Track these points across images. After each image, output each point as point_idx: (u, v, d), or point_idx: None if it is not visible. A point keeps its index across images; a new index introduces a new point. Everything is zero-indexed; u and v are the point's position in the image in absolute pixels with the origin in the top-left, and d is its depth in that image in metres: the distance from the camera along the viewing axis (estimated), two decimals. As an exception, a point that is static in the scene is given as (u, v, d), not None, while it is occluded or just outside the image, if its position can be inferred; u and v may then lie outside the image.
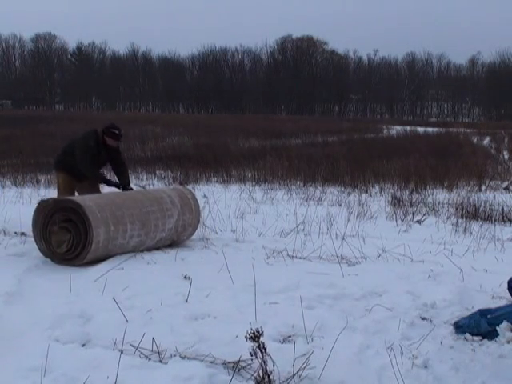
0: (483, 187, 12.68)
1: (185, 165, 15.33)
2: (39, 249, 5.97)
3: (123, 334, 3.71)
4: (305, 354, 3.52)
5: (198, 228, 7.18)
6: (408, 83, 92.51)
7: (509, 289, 4.57)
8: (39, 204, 6.10)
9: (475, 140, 30.43)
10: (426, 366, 3.59)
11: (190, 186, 11.14)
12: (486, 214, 9.17)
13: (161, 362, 3.53)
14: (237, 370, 3.39)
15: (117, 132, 7.05)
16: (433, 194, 11.54)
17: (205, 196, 10.40)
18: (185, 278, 5.20)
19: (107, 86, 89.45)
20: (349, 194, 11.62)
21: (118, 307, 4.20)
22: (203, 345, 3.70)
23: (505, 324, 3.95)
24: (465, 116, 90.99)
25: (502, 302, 4.62)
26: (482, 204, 9.73)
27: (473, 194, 11.28)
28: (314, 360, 3.45)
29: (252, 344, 3.17)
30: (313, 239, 7.17)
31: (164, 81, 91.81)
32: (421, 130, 39.06)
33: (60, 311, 4.23)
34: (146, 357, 3.57)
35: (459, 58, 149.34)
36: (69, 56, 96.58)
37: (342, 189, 12.26)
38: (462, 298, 4.82)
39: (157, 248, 6.48)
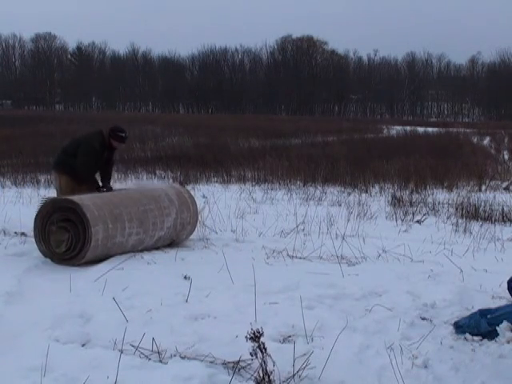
0: (483, 187, 12.68)
1: (185, 165, 15.33)
2: (39, 249, 5.98)
3: (123, 334, 3.71)
4: (305, 354, 3.52)
5: (198, 228, 7.18)
6: (408, 83, 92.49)
7: (509, 289, 4.57)
8: (41, 206, 6.10)
9: (475, 140, 30.42)
10: (426, 366, 3.59)
11: (189, 186, 11.14)
12: (486, 214, 9.18)
13: (161, 362, 3.53)
14: (237, 370, 3.39)
15: (123, 135, 7.02)
16: (433, 194, 11.54)
17: (205, 196, 10.40)
18: (185, 278, 5.21)
19: (107, 86, 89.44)
20: (349, 194, 11.62)
21: (118, 307, 4.21)
22: (203, 345, 3.70)
23: (505, 324, 3.95)
24: (465, 116, 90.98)
25: (502, 302, 4.62)
26: (482, 204, 9.73)
27: (473, 194, 11.28)
28: (313, 360, 3.46)
29: (252, 344, 3.17)
30: (313, 239, 7.17)
31: (164, 81, 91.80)
32: (421, 130, 39.05)
33: (60, 311, 4.23)
34: (146, 357, 3.57)
35: (459, 58, 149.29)
36: (69, 56, 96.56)
37: (342, 189, 12.26)
38: (462, 298, 4.82)
39: (157, 248, 6.49)
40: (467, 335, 4.02)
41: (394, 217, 9.07)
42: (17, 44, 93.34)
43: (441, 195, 11.49)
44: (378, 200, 10.89)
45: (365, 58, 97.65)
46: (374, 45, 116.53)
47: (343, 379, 3.40)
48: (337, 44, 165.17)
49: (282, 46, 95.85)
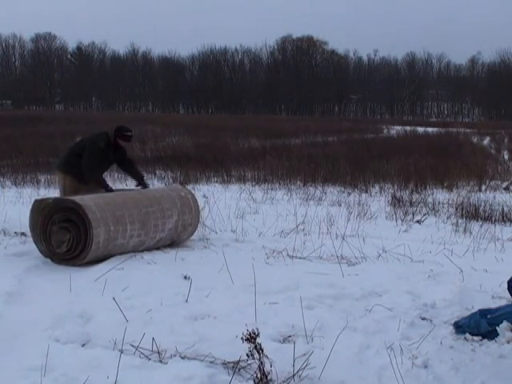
0: (483, 187, 12.67)
1: (185, 165, 15.32)
2: (38, 249, 5.97)
3: (123, 334, 3.71)
4: (305, 354, 3.52)
5: (198, 228, 7.18)
6: (408, 83, 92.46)
7: (509, 289, 4.57)
8: (34, 204, 6.08)
9: (475, 140, 30.41)
10: (426, 366, 3.59)
11: (190, 186, 11.14)
12: (486, 214, 9.17)
13: (161, 362, 3.53)
14: (237, 370, 3.39)
15: (129, 134, 7.07)
16: (433, 194, 11.54)
17: (205, 196, 10.40)
18: (185, 278, 5.21)
19: (107, 85, 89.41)
20: (349, 194, 11.62)
21: (118, 307, 4.21)
22: (203, 345, 3.70)
23: (505, 324, 3.95)
24: (465, 116, 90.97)
25: (502, 302, 4.62)
26: (482, 204, 9.73)
27: (473, 194, 11.28)
28: (313, 360, 3.46)
29: (249, 345, 3.18)
30: (313, 239, 7.17)
31: (164, 81, 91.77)
32: (421, 130, 39.04)
33: (60, 311, 4.23)
34: (146, 357, 3.57)
35: (459, 58, 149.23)
36: (69, 56, 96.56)
37: (342, 189, 12.26)
38: (462, 298, 4.82)
39: (157, 248, 6.48)
40: (467, 335, 4.02)
41: (394, 217, 9.06)
42: (17, 44, 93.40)
43: (441, 195, 11.48)
44: (378, 200, 10.89)
45: (365, 58, 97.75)
46: (374, 45, 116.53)
47: (343, 379, 3.40)
48: (337, 44, 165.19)
49: (282, 46, 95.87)
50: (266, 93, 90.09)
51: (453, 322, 4.24)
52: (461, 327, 4.10)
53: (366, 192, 11.95)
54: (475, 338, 3.99)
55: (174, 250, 6.42)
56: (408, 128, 40.12)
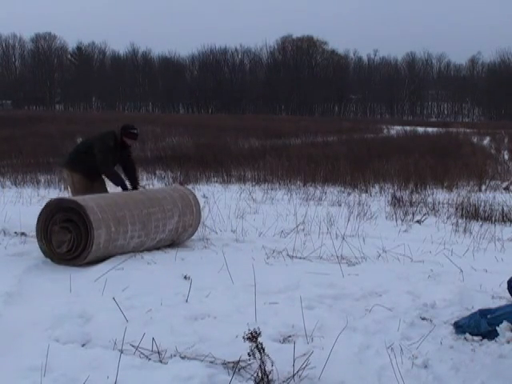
0: (483, 187, 12.68)
1: (185, 165, 15.32)
2: (40, 248, 5.97)
3: (123, 334, 3.71)
4: (305, 354, 3.52)
5: (198, 228, 7.18)
6: (408, 83, 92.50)
7: (509, 289, 4.57)
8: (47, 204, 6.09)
9: (475, 140, 30.43)
10: (426, 366, 3.59)
11: (190, 186, 11.13)
12: (486, 214, 9.17)
13: (161, 362, 3.53)
14: (237, 370, 3.39)
15: (135, 132, 7.13)
16: (433, 194, 11.54)
17: (205, 196, 10.41)
18: (185, 278, 5.21)
19: (107, 85, 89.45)
20: (349, 194, 11.62)
21: (118, 307, 4.20)
22: (203, 345, 3.70)
23: (505, 324, 3.95)
24: (465, 116, 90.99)
25: (502, 302, 4.62)
26: (482, 204, 9.73)
27: (473, 194, 11.28)
28: (314, 360, 3.45)
29: (250, 344, 3.17)
30: (313, 239, 7.16)
31: (164, 81, 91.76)
32: (421, 129, 39.07)
33: (60, 311, 4.23)
34: (146, 357, 3.57)
35: (459, 57, 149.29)
36: (69, 56, 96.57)
37: (342, 189, 12.26)
38: (462, 298, 4.82)
39: (157, 248, 6.48)
40: (467, 335, 4.02)
41: (394, 217, 9.06)
42: (17, 44, 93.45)
43: (441, 195, 11.48)
44: (378, 200, 10.89)
45: (365, 58, 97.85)
46: (374, 45, 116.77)
47: (343, 379, 3.39)
48: (337, 44, 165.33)
49: (281, 46, 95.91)
50: (266, 93, 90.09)
51: (453, 322, 4.24)
52: (461, 327, 4.10)
53: (366, 192, 11.94)
54: (475, 337, 3.99)
55: (174, 250, 6.42)
56: (408, 128, 40.15)
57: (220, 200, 9.92)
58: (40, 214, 5.98)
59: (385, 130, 38.77)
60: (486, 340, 3.96)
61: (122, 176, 7.28)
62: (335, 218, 8.53)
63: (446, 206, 10.24)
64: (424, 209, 9.84)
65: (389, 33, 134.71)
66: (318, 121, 52.87)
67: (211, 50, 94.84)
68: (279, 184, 12.94)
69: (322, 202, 10.69)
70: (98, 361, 3.46)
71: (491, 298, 4.88)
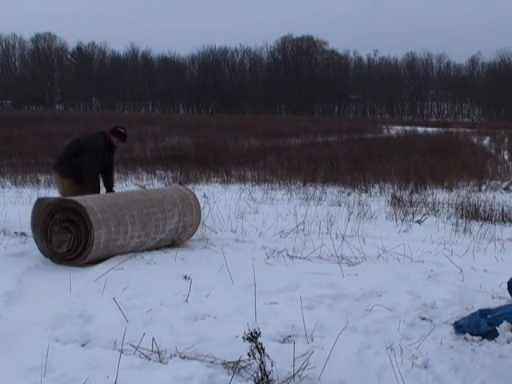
0: (483, 187, 12.67)
1: (185, 165, 15.32)
2: (39, 248, 5.97)
3: (123, 334, 3.71)
4: (305, 354, 3.52)
5: (198, 228, 7.18)
6: (408, 83, 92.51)
7: (509, 289, 4.57)
8: (36, 202, 6.08)
9: (475, 140, 30.42)
10: (426, 366, 3.59)
11: (189, 186, 11.13)
12: (486, 214, 9.17)
13: (161, 362, 3.53)
14: (237, 370, 3.39)
15: (123, 131, 7.10)
16: (433, 194, 11.53)
17: (205, 196, 10.40)
18: (185, 278, 5.21)
19: (107, 86, 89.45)
20: (349, 194, 11.62)
21: (118, 307, 4.20)
22: (203, 345, 3.70)
23: (505, 324, 3.95)
24: (465, 116, 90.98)
25: (502, 302, 4.62)
26: (482, 204, 9.73)
27: (473, 194, 11.28)
28: (314, 360, 3.45)
29: (250, 344, 3.17)
30: (313, 239, 7.16)
31: (164, 81, 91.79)
32: (421, 130, 39.06)
33: (60, 311, 4.23)
34: (146, 357, 3.57)
35: (459, 57, 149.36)
36: (69, 56, 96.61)
37: (342, 189, 12.26)
38: (462, 298, 4.82)
39: (157, 248, 6.48)
40: (467, 335, 4.02)
41: (394, 217, 9.06)
42: (17, 44, 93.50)
43: (441, 195, 11.48)
44: (378, 200, 10.89)
45: (365, 58, 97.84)
46: (374, 45, 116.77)
47: (343, 379, 3.39)
48: (337, 44, 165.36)
49: (281, 46, 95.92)
50: (266, 93, 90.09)
51: (453, 322, 4.24)
52: (461, 327, 4.09)
53: (366, 192, 11.94)
54: (475, 338, 3.98)
55: (173, 250, 6.41)
56: (408, 128, 40.14)
57: (220, 200, 9.92)
58: (36, 214, 5.97)
59: (385, 130, 38.76)
60: (486, 340, 3.96)
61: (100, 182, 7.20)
62: (335, 218, 8.53)
63: (445, 205, 10.23)
64: (424, 209, 9.84)
65: (389, 33, 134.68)
66: (317, 121, 52.85)
67: (211, 50, 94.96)
68: (279, 184, 12.94)
69: (321, 202, 10.68)
70: (98, 361, 3.46)
71: (491, 298, 4.88)
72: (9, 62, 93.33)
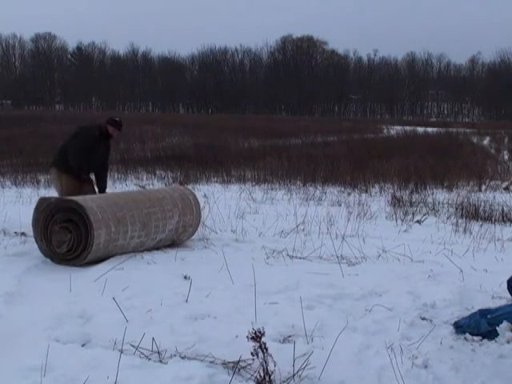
0: (483, 187, 12.68)
1: (185, 165, 15.33)
2: (39, 248, 5.97)
3: (123, 334, 3.71)
4: (305, 354, 3.52)
5: (198, 228, 7.18)
6: (408, 83, 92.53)
7: (509, 289, 4.56)
8: (39, 202, 6.09)
9: (475, 140, 30.43)
10: (426, 366, 3.59)
11: (190, 186, 11.13)
12: (486, 214, 9.17)
13: (161, 362, 3.53)
14: (237, 370, 3.39)
15: (118, 120, 7.15)
16: (433, 194, 11.54)
17: (205, 196, 10.40)
18: (185, 277, 5.21)
19: (107, 85, 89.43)
20: (349, 194, 11.62)
21: (118, 307, 4.20)
22: (203, 345, 3.70)
23: (505, 324, 3.95)
24: (465, 116, 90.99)
25: (502, 302, 4.62)
26: (482, 204, 9.73)
27: (473, 194, 11.29)
28: (313, 360, 3.45)
29: (253, 344, 3.17)
30: (313, 239, 7.16)
31: (164, 81, 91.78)
32: (421, 130, 39.06)
33: (60, 311, 4.23)
34: (146, 357, 3.57)
35: (459, 57, 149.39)
36: (69, 56, 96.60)
37: (342, 189, 12.26)
38: (462, 298, 4.82)
39: (157, 248, 6.48)
40: (467, 335, 4.02)
41: (394, 217, 9.06)
42: (17, 44, 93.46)
43: (441, 195, 11.48)
44: (378, 200, 10.89)
45: (365, 58, 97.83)
46: (374, 45, 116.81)
47: (343, 379, 3.39)
48: (337, 44, 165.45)
49: (282, 46, 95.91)
50: (266, 93, 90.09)
51: (453, 322, 4.24)
52: (461, 327, 4.09)
53: (366, 192, 11.95)
54: (475, 337, 3.99)
55: (173, 250, 6.42)
56: (408, 128, 40.15)
57: (220, 200, 9.92)
58: (37, 214, 5.97)
59: (385, 130, 38.76)
60: (485, 340, 3.96)
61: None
62: (335, 218, 8.53)
63: (445, 205, 10.23)
64: (424, 209, 9.84)
65: (389, 33, 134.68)
66: (317, 121, 52.85)
67: (211, 50, 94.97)
68: (279, 184, 12.94)
69: (321, 202, 10.69)
70: (98, 361, 3.46)
71: (491, 298, 4.88)
72: (9, 62, 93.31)
